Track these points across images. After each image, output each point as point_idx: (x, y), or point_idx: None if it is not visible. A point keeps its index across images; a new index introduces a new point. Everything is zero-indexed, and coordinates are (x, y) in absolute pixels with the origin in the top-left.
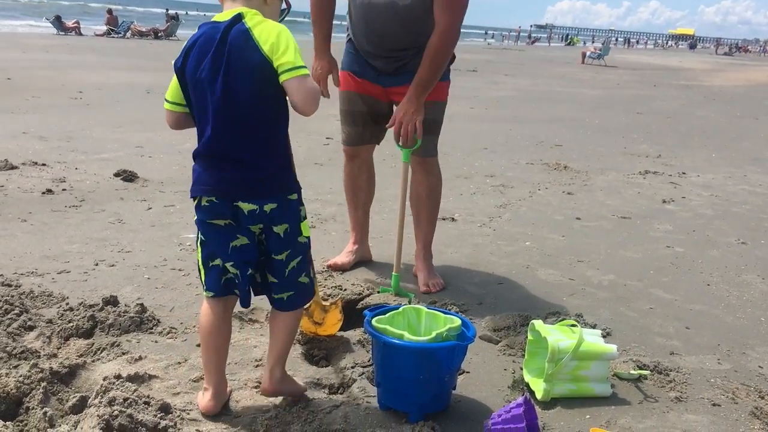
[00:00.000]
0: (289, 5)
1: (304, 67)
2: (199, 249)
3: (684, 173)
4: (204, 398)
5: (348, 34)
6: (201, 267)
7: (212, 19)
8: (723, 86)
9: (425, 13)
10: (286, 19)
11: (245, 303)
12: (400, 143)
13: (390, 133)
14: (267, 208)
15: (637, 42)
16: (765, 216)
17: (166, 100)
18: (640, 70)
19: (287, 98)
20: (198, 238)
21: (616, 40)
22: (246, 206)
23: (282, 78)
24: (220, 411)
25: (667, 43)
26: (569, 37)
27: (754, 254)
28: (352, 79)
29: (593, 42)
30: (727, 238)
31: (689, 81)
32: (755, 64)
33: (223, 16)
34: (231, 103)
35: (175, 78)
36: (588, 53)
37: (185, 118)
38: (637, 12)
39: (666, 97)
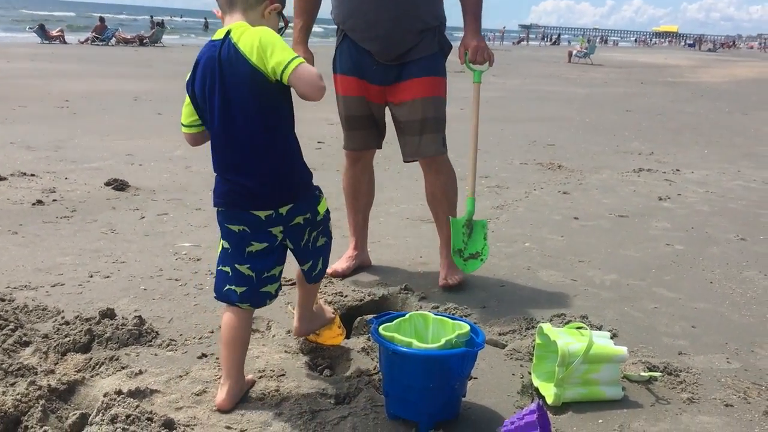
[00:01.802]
0: (287, 22)
1: (296, 57)
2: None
3: (678, 170)
4: (219, 394)
5: (339, 34)
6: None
7: (211, 38)
8: (710, 82)
9: None
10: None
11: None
12: (472, 63)
13: (389, 136)
14: (283, 210)
15: (615, 43)
16: (762, 211)
17: (183, 125)
18: (626, 68)
19: (291, 103)
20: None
21: (594, 39)
22: (261, 213)
23: (284, 78)
24: (232, 409)
25: (651, 40)
26: (577, 38)
27: (753, 250)
28: (353, 82)
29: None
30: (726, 235)
31: (676, 78)
32: (739, 60)
33: (220, 33)
34: (231, 118)
35: (187, 99)
36: (574, 52)
37: (203, 136)
38: (620, 10)
39: (654, 95)
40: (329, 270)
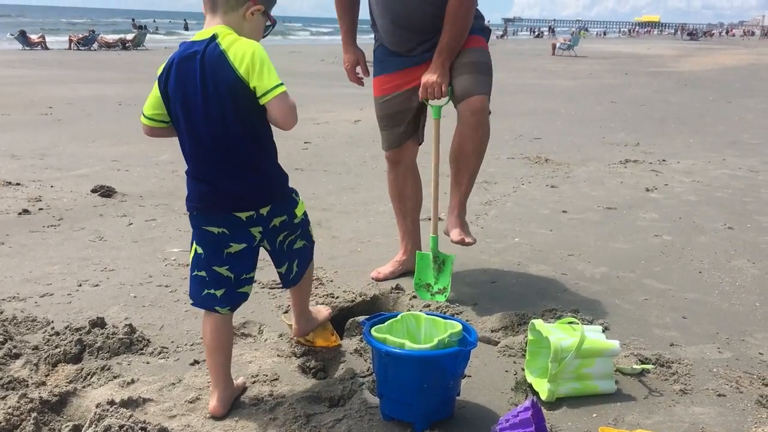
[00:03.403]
0: (274, 22)
1: (281, 84)
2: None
3: (664, 160)
4: (212, 401)
5: (376, 41)
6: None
7: (191, 39)
8: (693, 71)
9: None
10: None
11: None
12: (428, 98)
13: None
14: (263, 211)
15: (604, 33)
16: (748, 199)
17: (144, 114)
18: (610, 59)
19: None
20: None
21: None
22: (243, 214)
23: (262, 101)
24: (227, 415)
25: (632, 31)
26: (579, 30)
27: (741, 238)
28: (388, 79)
29: (553, 32)
30: (714, 224)
31: (659, 68)
32: (721, 48)
33: (202, 34)
34: (210, 124)
35: (155, 91)
36: (558, 44)
37: (162, 131)
38: (603, 1)
39: (638, 85)
40: (373, 274)
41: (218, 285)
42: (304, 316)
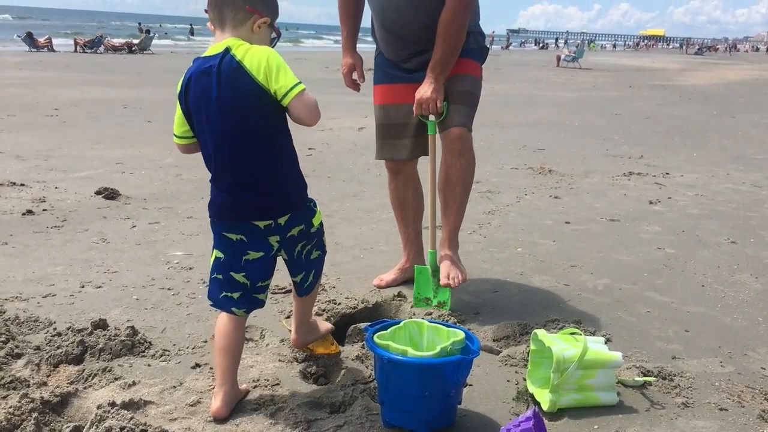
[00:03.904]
0: (279, 33)
1: (300, 82)
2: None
3: (667, 173)
4: (214, 402)
5: (376, 48)
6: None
7: (204, 54)
8: (697, 85)
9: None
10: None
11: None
12: (423, 114)
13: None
14: (281, 221)
15: (613, 47)
16: (752, 214)
17: (175, 135)
18: (614, 72)
19: (287, 116)
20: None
21: (583, 43)
22: (261, 223)
23: (284, 101)
24: (227, 420)
25: (638, 44)
26: (588, 43)
27: (744, 253)
28: (386, 89)
29: (566, 44)
30: (717, 238)
31: (663, 81)
32: (726, 63)
33: (214, 49)
34: (230, 135)
35: (178, 110)
36: (563, 56)
37: (196, 147)
38: (608, 14)
39: (642, 98)
40: (375, 282)
41: (235, 289)
42: (304, 325)
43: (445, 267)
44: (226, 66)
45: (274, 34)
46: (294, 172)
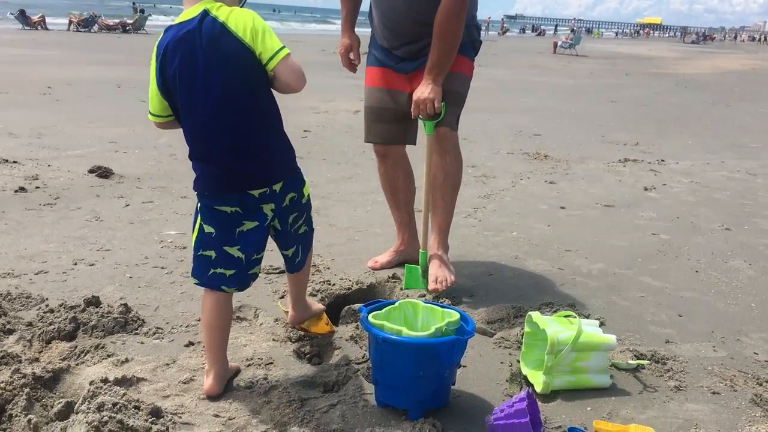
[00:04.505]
0: None
1: (284, 47)
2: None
3: (663, 160)
4: (207, 380)
5: (371, 32)
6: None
7: (176, 21)
8: (694, 74)
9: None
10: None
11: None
12: (420, 115)
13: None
14: (276, 187)
15: (615, 35)
16: (746, 201)
17: (151, 113)
18: (611, 59)
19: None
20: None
21: (580, 30)
22: (256, 191)
23: (270, 65)
24: (220, 397)
25: (638, 32)
26: (592, 30)
27: (738, 240)
28: (377, 72)
29: (555, 32)
30: (711, 225)
31: (660, 69)
32: (723, 52)
33: (188, 14)
34: (217, 102)
35: (154, 87)
36: (560, 43)
37: (173, 124)
38: (605, 1)
39: (639, 86)
40: (369, 263)
41: (228, 265)
42: (300, 303)
43: (433, 269)
44: (209, 28)
45: None
46: (283, 137)
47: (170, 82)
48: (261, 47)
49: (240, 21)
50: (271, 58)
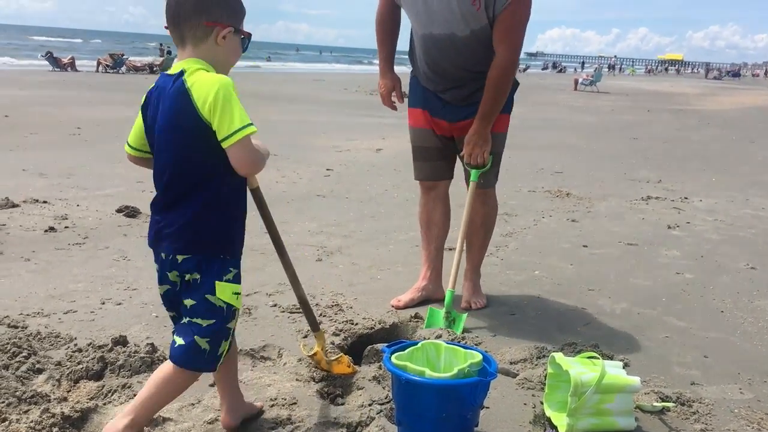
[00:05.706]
0: (248, 35)
1: (245, 126)
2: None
3: (686, 198)
4: (221, 413)
5: (412, 72)
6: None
7: (169, 72)
8: (716, 110)
9: (483, 47)
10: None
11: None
12: (470, 163)
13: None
14: (179, 258)
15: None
16: None
17: (129, 144)
18: (632, 96)
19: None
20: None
21: (601, 67)
22: (163, 254)
23: (224, 144)
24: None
25: (667, 69)
26: (628, 68)
27: (764, 279)
28: (422, 115)
29: (582, 69)
30: (736, 264)
31: (682, 105)
32: (745, 88)
33: (174, 68)
34: (163, 157)
35: (139, 119)
36: (580, 80)
37: (145, 162)
38: (626, 38)
39: (660, 122)
40: (392, 301)
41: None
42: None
43: (467, 291)
44: (176, 90)
45: (243, 36)
46: (218, 217)
47: (148, 122)
48: (217, 124)
49: (202, 92)
50: (225, 138)
